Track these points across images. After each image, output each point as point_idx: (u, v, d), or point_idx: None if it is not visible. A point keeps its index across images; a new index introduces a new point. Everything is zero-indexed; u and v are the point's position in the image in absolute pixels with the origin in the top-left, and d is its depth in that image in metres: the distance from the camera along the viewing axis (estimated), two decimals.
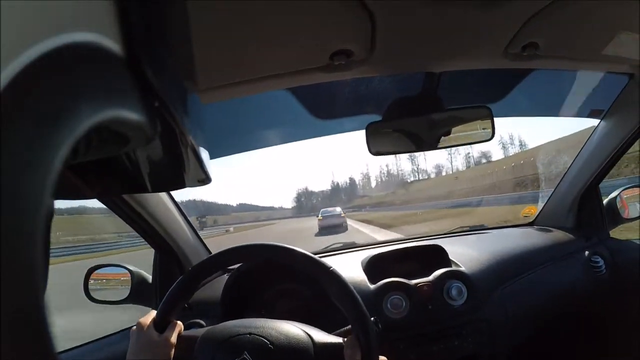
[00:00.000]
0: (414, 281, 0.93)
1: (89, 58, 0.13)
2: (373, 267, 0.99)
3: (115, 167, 0.24)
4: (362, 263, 1.02)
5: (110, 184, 0.25)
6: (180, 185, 0.26)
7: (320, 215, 16.77)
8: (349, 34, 0.65)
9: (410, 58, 0.75)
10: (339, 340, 0.62)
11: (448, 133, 0.88)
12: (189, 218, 1.08)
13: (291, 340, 0.62)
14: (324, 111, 0.92)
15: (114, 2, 0.15)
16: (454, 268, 0.96)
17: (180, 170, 0.24)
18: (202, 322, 0.97)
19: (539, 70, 0.96)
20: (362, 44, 0.67)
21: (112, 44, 0.15)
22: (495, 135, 0.85)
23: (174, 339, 0.64)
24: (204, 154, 0.26)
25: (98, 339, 0.97)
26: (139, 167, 0.24)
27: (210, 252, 1.17)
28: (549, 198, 1.22)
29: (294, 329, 0.64)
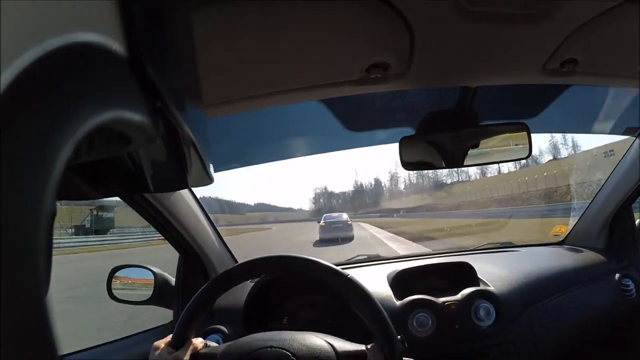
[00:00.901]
0: (441, 299, 0.91)
1: (91, 58, 0.13)
2: (399, 282, 0.98)
3: (117, 168, 0.24)
4: (388, 278, 1.01)
5: (112, 184, 0.25)
6: (183, 185, 0.26)
7: (322, 221, 13.68)
8: (386, 47, 0.64)
9: (448, 72, 0.73)
10: (362, 347, 0.60)
11: (483, 149, 0.86)
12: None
13: (313, 350, 0.60)
14: (355, 123, 0.91)
15: (116, 2, 0.15)
16: (482, 287, 0.94)
17: (183, 170, 0.24)
18: (223, 328, 0.97)
19: (575, 86, 0.93)
20: (399, 57, 0.66)
21: (115, 44, 0.14)
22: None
23: (186, 357, 0.63)
24: (206, 154, 0.26)
25: (121, 338, 0.97)
26: (141, 167, 0.24)
27: (235, 260, 1.17)
28: (580, 217, 1.18)
29: (315, 340, 0.62)
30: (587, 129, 1.19)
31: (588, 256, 1.10)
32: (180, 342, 0.64)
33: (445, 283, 0.99)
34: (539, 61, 0.71)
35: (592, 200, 1.15)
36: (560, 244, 1.21)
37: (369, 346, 0.60)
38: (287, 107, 0.82)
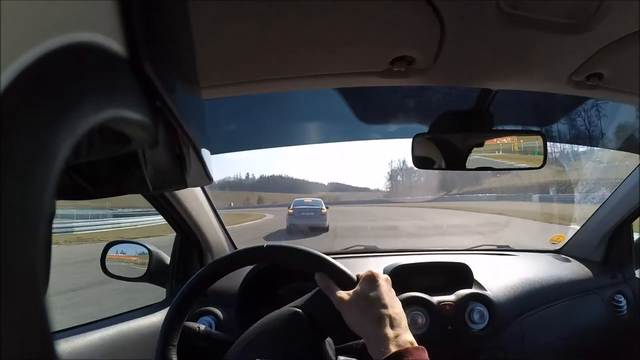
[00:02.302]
0: (436, 298, 0.91)
1: (90, 58, 0.13)
2: (395, 278, 0.97)
3: (117, 167, 0.24)
4: (384, 271, 1.01)
5: (111, 184, 0.25)
6: (182, 185, 0.26)
7: (291, 207, 11.71)
8: (415, 41, 0.61)
9: (472, 72, 0.71)
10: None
11: (496, 155, 0.84)
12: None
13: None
14: (368, 114, 0.88)
15: (116, 1, 0.14)
16: (478, 290, 0.94)
17: (182, 170, 0.24)
18: (216, 311, 0.97)
19: (594, 99, 0.91)
20: (426, 52, 0.64)
21: (114, 44, 0.14)
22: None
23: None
24: (206, 153, 0.26)
25: (115, 315, 0.96)
26: (140, 167, 0.24)
27: (235, 246, 1.16)
28: (580, 228, 1.18)
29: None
30: (602, 144, 1.17)
31: (584, 268, 1.11)
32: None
33: (440, 281, 0.99)
34: (565, 71, 0.70)
35: (593, 214, 1.15)
36: (557, 252, 1.21)
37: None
38: (296, 93, 0.79)
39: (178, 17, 0.19)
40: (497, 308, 0.92)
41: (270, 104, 0.89)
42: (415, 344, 0.49)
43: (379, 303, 0.52)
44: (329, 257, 0.61)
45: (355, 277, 0.58)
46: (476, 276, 0.99)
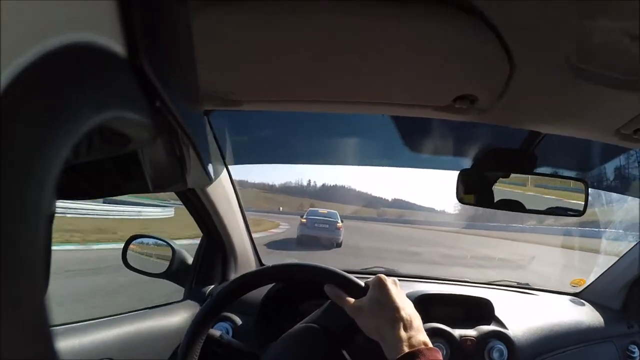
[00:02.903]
0: (457, 332, 0.91)
1: (90, 58, 0.13)
2: (418, 306, 0.97)
3: (116, 167, 0.24)
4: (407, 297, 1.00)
5: (111, 184, 0.25)
6: (182, 185, 0.26)
7: (304, 217, 10.97)
8: (482, 81, 0.62)
9: (530, 115, 0.71)
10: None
11: (537, 197, 0.84)
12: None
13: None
14: (417, 143, 0.88)
15: (116, 2, 0.14)
16: (499, 328, 0.94)
17: (182, 170, 0.24)
18: (234, 317, 0.97)
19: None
20: (489, 93, 0.64)
21: (114, 44, 0.14)
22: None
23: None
24: (206, 154, 0.26)
25: (130, 311, 0.95)
26: (140, 167, 0.24)
27: (258, 256, 1.16)
28: (602, 274, 1.18)
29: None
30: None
31: (601, 315, 1.11)
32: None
33: (461, 314, 0.99)
34: (615, 124, 0.70)
35: (617, 260, 1.15)
36: (576, 295, 1.21)
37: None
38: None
39: (178, 18, 0.19)
40: (517, 348, 0.92)
41: (315, 122, 0.90)
42: (430, 345, 0.50)
43: (390, 306, 0.53)
44: (336, 269, 0.62)
45: (364, 285, 0.59)
46: (497, 312, 0.99)
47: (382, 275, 0.58)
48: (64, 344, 0.68)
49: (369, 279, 0.59)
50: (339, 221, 10.82)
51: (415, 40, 0.53)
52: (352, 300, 0.57)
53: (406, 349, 0.49)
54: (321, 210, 12.28)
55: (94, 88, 0.14)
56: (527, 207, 0.84)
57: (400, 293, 0.57)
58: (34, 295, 0.12)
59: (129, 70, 0.15)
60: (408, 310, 0.54)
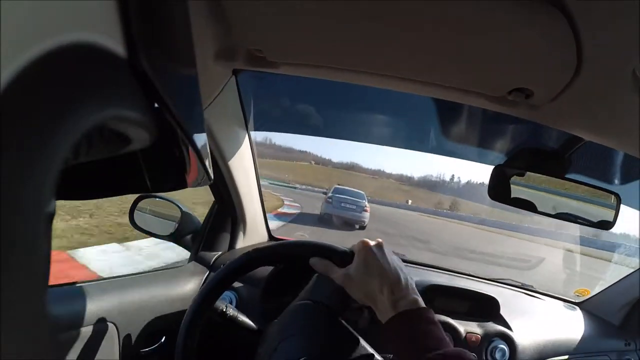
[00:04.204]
0: (463, 327, 0.91)
1: (90, 58, 0.13)
2: (424, 295, 0.97)
3: (116, 167, 0.24)
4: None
5: (111, 183, 0.25)
6: (182, 185, 0.26)
7: (329, 194, 10.50)
8: (543, 77, 0.58)
9: (579, 121, 0.68)
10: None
11: (567, 204, 0.82)
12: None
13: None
14: (456, 133, 0.85)
15: (114, 1, 0.14)
16: (504, 329, 0.94)
17: (182, 170, 0.24)
18: (238, 285, 0.95)
19: None
20: (547, 91, 0.61)
21: (113, 44, 0.14)
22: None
23: None
24: (205, 153, 0.26)
25: (134, 273, 0.92)
26: (140, 167, 0.24)
27: (268, 227, 1.14)
28: (607, 288, 1.19)
29: None
30: None
31: (601, 328, 1.12)
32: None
33: (465, 308, 0.99)
34: None
35: (625, 277, 1.15)
36: (579, 304, 1.22)
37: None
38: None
39: (177, 17, 0.19)
40: (518, 350, 0.92)
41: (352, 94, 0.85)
42: (420, 304, 0.50)
43: (377, 271, 0.53)
44: (318, 241, 0.61)
45: (349, 251, 0.58)
46: (502, 311, 0.99)
47: (366, 240, 0.58)
48: (64, 306, 0.66)
49: (353, 245, 0.58)
50: (366, 203, 10.51)
51: (488, 24, 0.49)
52: (339, 269, 0.56)
53: (395, 312, 0.49)
54: (349, 188, 11.89)
55: (93, 88, 0.14)
56: (557, 212, 0.82)
57: (385, 256, 0.56)
58: (33, 295, 0.12)
59: (129, 70, 0.15)
60: (395, 272, 0.54)
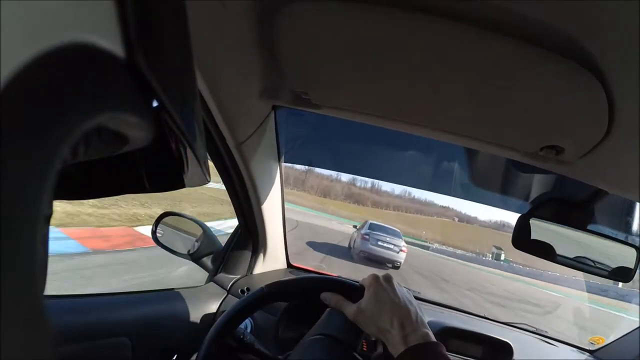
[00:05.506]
0: None
1: (88, 58, 0.13)
2: (438, 337, 0.97)
3: (114, 168, 0.24)
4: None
5: (109, 184, 0.25)
6: (179, 185, 0.26)
7: (364, 231, 9.91)
8: (575, 137, 0.60)
9: (608, 177, 0.70)
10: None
11: (585, 256, 0.83)
12: None
13: None
14: (484, 180, 0.87)
15: (113, 2, 0.14)
16: None
17: (180, 170, 0.24)
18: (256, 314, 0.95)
19: None
20: (578, 150, 0.63)
21: (111, 44, 0.14)
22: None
23: None
24: (203, 153, 0.26)
25: (149, 290, 0.92)
26: (138, 167, 0.24)
27: (287, 255, 1.15)
28: (622, 336, 1.18)
29: None
30: None
31: None
32: None
33: (479, 352, 0.99)
34: None
35: (639, 327, 1.14)
36: (592, 352, 1.21)
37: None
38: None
39: (176, 16, 0.19)
40: None
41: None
42: (431, 338, 0.51)
43: (387, 306, 0.54)
44: (329, 275, 0.62)
45: (359, 285, 0.59)
46: (515, 356, 0.99)
47: (375, 274, 0.59)
48: (81, 319, 0.67)
49: (363, 279, 0.60)
50: (404, 243, 10.06)
51: (526, 84, 0.52)
52: (350, 303, 0.57)
53: (405, 346, 0.49)
54: (384, 226, 11.05)
55: (91, 88, 0.14)
56: (576, 264, 0.83)
57: (395, 290, 0.57)
58: (32, 295, 0.12)
59: (127, 70, 0.15)
60: (405, 305, 0.54)
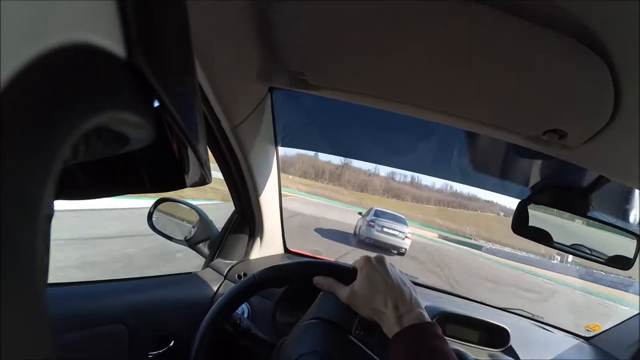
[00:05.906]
0: (473, 356, 0.91)
1: (88, 58, 0.13)
2: (436, 321, 0.97)
3: (114, 168, 0.24)
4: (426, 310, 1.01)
5: (109, 184, 0.25)
6: (181, 185, 0.26)
7: (369, 218, 9.92)
8: (578, 121, 0.59)
9: (611, 163, 0.69)
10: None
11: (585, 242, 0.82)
12: None
13: None
14: (482, 163, 0.85)
15: (114, 1, 0.14)
16: None
17: (181, 170, 0.24)
18: (252, 298, 0.95)
19: None
20: (581, 135, 0.61)
21: (111, 44, 0.14)
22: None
23: None
24: (204, 153, 0.26)
25: (147, 277, 0.90)
26: (139, 167, 0.24)
27: (284, 240, 1.14)
28: (619, 324, 1.18)
29: None
30: None
31: None
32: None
33: (476, 336, 0.99)
34: None
35: (636, 314, 1.14)
36: (588, 339, 1.22)
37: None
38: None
39: (176, 16, 0.19)
40: None
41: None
42: (425, 318, 0.50)
43: (380, 287, 0.54)
44: (321, 259, 0.61)
45: (352, 267, 0.59)
46: (511, 341, 0.99)
47: (367, 256, 0.58)
48: (77, 306, 0.66)
49: (355, 261, 0.59)
50: (409, 230, 10.00)
51: (532, 65, 0.50)
52: (343, 286, 0.57)
53: (397, 329, 0.49)
54: (390, 213, 10.99)
55: (92, 88, 0.14)
56: (575, 250, 0.82)
57: (387, 271, 0.56)
58: (33, 296, 0.12)
59: (127, 70, 0.15)
60: (398, 286, 0.54)
